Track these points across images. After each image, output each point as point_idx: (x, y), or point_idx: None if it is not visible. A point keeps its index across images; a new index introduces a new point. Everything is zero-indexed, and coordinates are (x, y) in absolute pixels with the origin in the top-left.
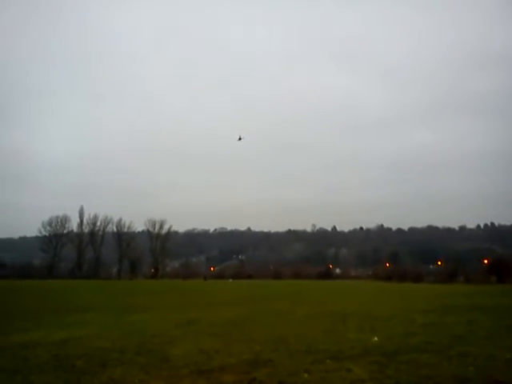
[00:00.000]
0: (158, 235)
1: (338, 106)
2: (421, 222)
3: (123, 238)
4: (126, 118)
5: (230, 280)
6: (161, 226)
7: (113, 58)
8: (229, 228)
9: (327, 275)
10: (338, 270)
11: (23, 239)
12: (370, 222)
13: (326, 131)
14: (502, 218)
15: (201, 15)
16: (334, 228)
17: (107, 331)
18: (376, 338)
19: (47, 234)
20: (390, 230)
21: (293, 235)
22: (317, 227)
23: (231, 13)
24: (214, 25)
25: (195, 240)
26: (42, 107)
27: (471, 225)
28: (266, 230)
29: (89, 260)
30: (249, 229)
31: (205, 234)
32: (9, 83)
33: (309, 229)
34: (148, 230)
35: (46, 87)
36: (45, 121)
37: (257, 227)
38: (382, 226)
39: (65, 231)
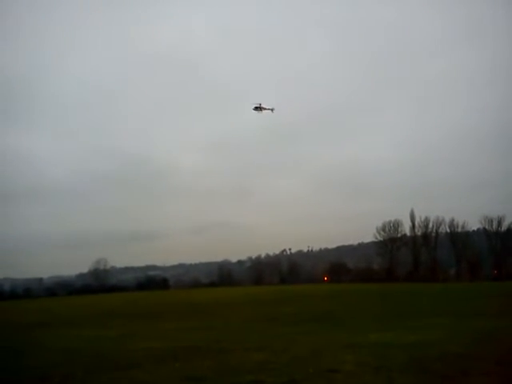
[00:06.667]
0: (497, 233)
1: None
2: None
3: (457, 239)
4: None
5: None
6: (499, 224)
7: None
8: None
9: None
10: None
11: (361, 245)
12: None
13: None
14: None
15: None
16: None
17: (457, 337)
18: None
19: (382, 239)
20: None
21: None
22: None
23: None
24: None
25: None
26: None
27: None
28: None
29: (424, 262)
30: None
31: None
32: None
33: None
34: (484, 228)
35: None
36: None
37: None
38: None
39: (398, 235)
